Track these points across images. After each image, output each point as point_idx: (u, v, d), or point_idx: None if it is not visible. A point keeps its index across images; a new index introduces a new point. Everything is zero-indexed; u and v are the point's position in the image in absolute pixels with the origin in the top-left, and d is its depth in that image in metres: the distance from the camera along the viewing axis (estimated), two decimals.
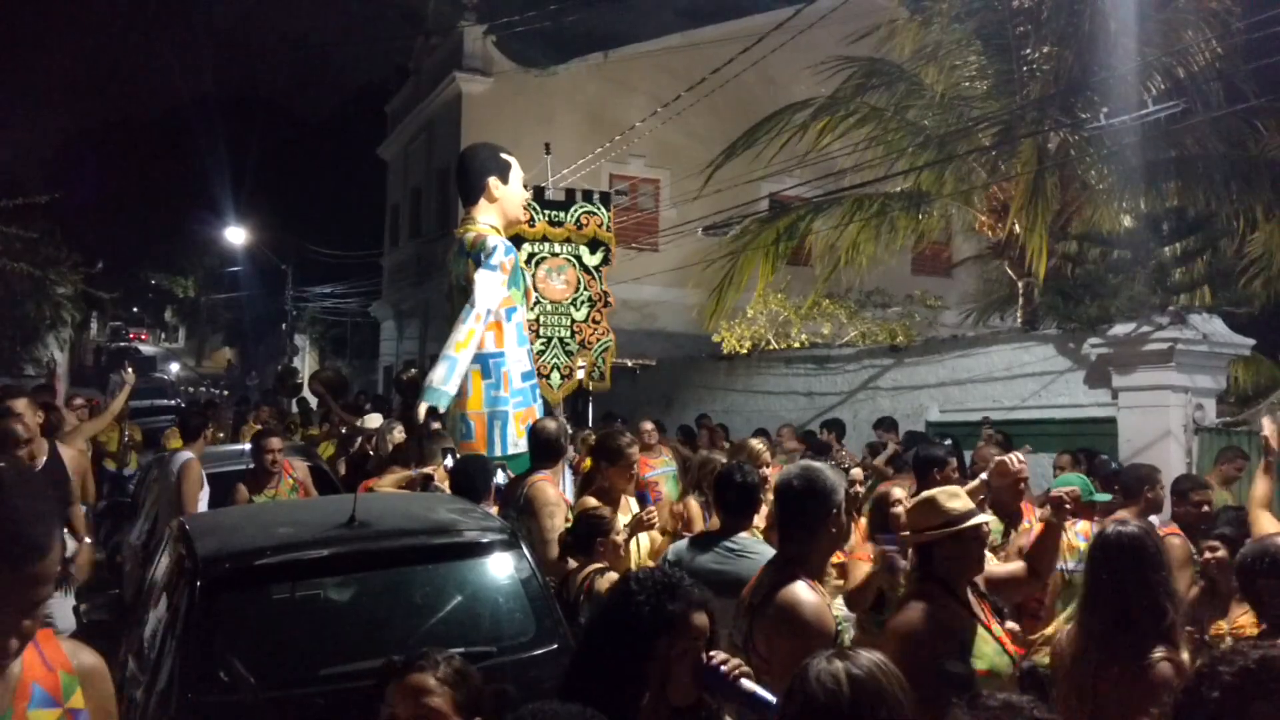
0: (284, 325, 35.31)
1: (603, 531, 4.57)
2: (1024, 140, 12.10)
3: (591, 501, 5.07)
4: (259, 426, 10.45)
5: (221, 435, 11.54)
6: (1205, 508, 5.72)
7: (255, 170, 38.49)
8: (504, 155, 7.01)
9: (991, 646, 3.35)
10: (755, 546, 4.08)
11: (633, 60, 20.85)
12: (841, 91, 13.70)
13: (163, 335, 70.40)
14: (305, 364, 36.04)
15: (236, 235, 36.69)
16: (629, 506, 5.35)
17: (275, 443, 6.94)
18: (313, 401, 15.03)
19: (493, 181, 6.60)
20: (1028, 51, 12.96)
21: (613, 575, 4.30)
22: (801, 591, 3.10)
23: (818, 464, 3.52)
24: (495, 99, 20.59)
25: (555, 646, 3.81)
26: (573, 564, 4.64)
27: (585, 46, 20.75)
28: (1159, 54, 12.06)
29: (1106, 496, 5.74)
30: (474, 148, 7.19)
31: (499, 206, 6.66)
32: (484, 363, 6.13)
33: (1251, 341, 10.04)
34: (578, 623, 4.15)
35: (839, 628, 3.14)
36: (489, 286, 6.17)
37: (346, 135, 33.50)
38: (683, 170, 18.29)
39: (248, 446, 7.79)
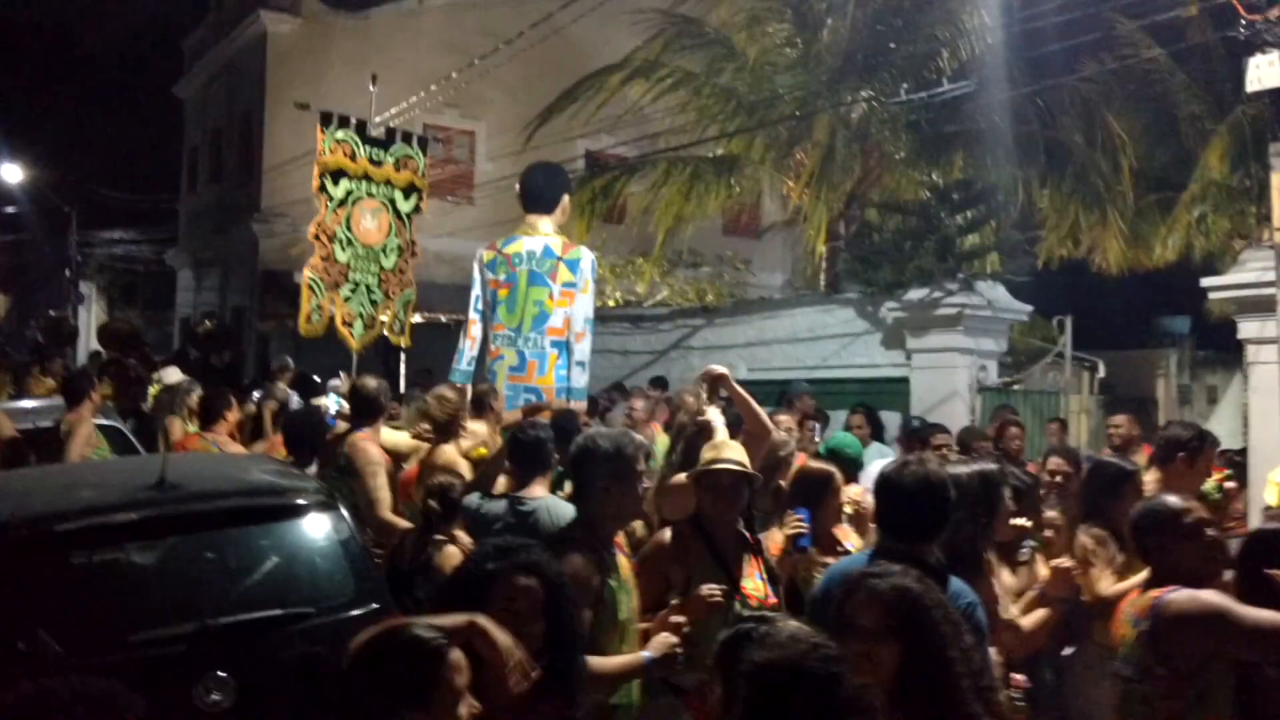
0: (68, 272, 32.96)
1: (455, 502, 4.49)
2: (821, 115, 12.59)
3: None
4: (50, 380, 9.89)
5: None
6: None
7: (35, 103, 35.62)
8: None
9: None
10: (557, 506, 4.17)
11: (447, 10, 20.40)
12: (653, 49, 13.84)
13: None
14: (92, 314, 33.79)
15: (12, 173, 33.87)
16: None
17: None
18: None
19: (566, 199, 7.78)
20: (829, 23, 13.47)
21: (451, 550, 4.24)
22: (573, 558, 3.15)
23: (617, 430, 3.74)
24: (303, 41, 19.76)
25: (376, 606, 3.78)
26: (403, 524, 4.59)
27: None
28: (949, 33, 12.86)
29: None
30: (552, 165, 8.37)
31: (560, 220, 7.74)
32: (560, 348, 7.22)
33: (1029, 307, 10.85)
34: (411, 594, 4.12)
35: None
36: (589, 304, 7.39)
37: (139, 70, 31.46)
38: (498, 123, 18.11)
39: (38, 403, 7.51)
